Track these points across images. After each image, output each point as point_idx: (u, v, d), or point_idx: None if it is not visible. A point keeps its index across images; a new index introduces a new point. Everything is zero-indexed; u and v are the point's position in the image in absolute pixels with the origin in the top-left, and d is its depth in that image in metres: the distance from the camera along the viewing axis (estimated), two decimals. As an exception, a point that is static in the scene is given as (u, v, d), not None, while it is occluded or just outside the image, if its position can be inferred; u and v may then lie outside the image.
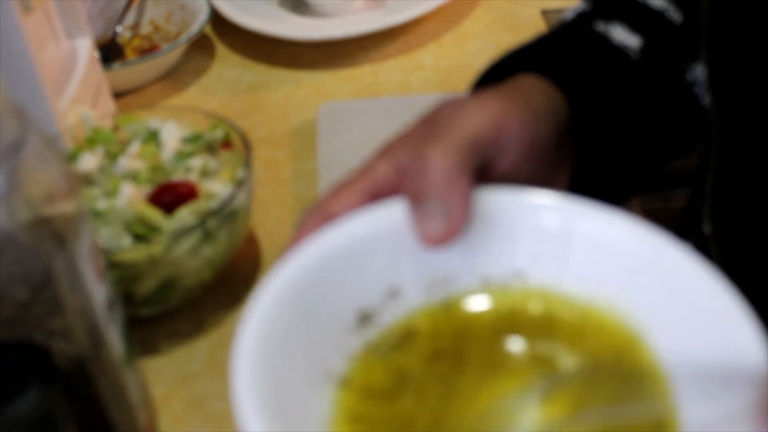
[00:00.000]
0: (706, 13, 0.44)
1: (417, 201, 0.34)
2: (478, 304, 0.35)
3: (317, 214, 0.36)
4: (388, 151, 0.37)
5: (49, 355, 0.37)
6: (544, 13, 0.86)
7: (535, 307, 0.35)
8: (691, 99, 0.48)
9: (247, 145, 0.56)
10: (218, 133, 0.58)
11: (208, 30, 0.87)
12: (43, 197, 0.34)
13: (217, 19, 0.86)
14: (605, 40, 0.47)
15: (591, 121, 0.43)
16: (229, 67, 0.82)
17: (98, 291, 0.38)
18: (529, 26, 0.84)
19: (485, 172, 0.37)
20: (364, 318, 0.35)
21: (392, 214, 0.35)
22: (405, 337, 0.34)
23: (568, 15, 0.50)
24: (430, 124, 0.37)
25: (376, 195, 0.36)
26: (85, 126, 0.59)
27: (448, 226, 0.34)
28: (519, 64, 0.45)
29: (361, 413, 0.32)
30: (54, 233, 0.35)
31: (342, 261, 0.34)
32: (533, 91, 0.41)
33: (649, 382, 0.32)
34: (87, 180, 0.55)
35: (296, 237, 0.35)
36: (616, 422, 0.31)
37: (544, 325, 0.34)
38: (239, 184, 0.53)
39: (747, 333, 0.30)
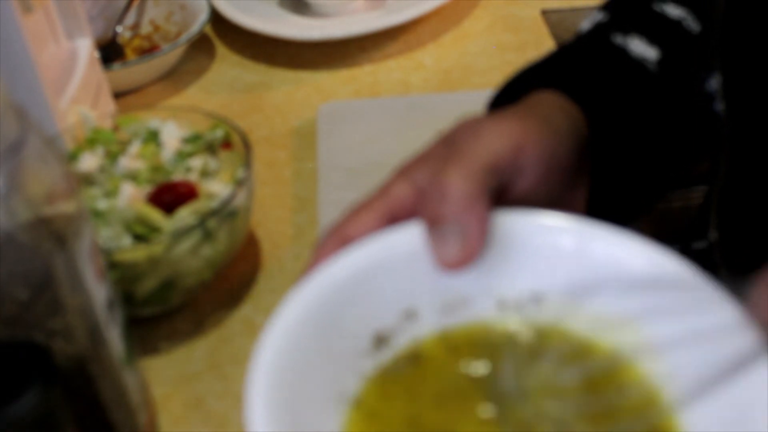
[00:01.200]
0: (720, 22, 0.44)
1: (434, 225, 0.34)
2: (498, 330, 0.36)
3: (335, 237, 0.36)
4: (406, 171, 0.37)
5: (49, 355, 0.37)
6: (544, 13, 0.86)
7: (534, 336, 0.35)
8: (710, 110, 0.47)
9: (247, 145, 0.56)
10: (218, 133, 0.58)
11: (208, 30, 0.87)
12: (43, 197, 0.34)
13: (217, 19, 0.86)
14: (623, 54, 0.46)
15: (610, 138, 0.43)
16: (229, 67, 0.82)
17: (98, 291, 0.38)
18: (529, 26, 0.84)
19: (503, 193, 0.37)
20: (380, 340, 0.35)
21: (409, 236, 0.35)
22: (415, 362, 0.35)
23: (585, 26, 0.49)
24: (449, 145, 0.37)
25: (395, 216, 0.36)
26: (85, 126, 0.59)
27: (464, 251, 0.34)
28: (536, 80, 0.44)
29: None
30: (54, 233, 0.35)
31: (359, 284, 0.35)
32: (552, 109, 0.40)
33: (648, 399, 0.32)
34: (87, 180, 0.55)
35: (314, 260, 0.35)
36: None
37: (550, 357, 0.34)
38: (239, 184, 0.53)
39: (759, 361, 0.29)
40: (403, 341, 0.35)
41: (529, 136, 0.37)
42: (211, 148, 0.58)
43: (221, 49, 0.85)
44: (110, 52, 0.82)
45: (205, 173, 0.56)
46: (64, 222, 0.36)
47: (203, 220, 0.51)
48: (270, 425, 0.29)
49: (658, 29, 0.47)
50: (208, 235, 0.52)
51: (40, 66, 0.56)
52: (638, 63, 0.46)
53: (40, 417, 0.35)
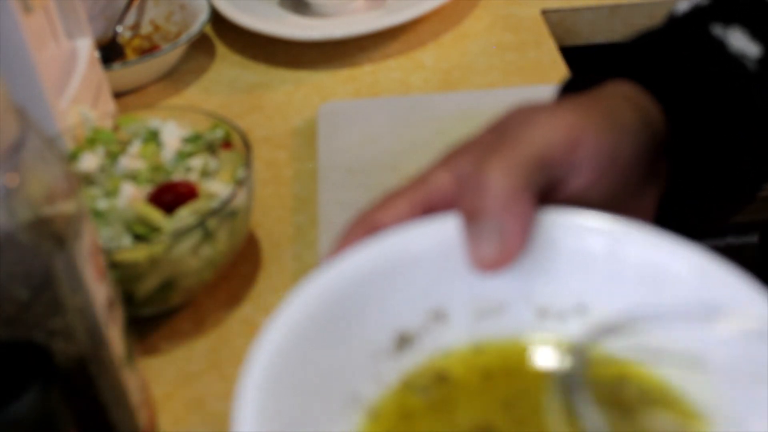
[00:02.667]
0: None
1: (472, 219, 0.31)
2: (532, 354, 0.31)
3: (364, 223, 0.33)
4: (449, 159, 0.34)
5: (49, 355, 0.37)
6: (544, 13, 0.86)
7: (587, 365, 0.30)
8: None
9: (247, 145, 0.56)
10: (218, 133, 0.58)
11: (208, 30, 0.87)
12: (43, 197, 0.34)
13: (217, 19, 0.86)
14: (721, 47, 0.41)
15: (690, 140, 0.39)
16: (229, 66, 0.82)
17: (98, 291, 0.38)
18: (529, 26, 0.84)
19: (555, 191, 0.34)
20: (403, 341, 0.32)
21: (444, 230, 0.32)
22: (443, 383, 0.31)
23: (682, 6, 0.44)
24: (498, 133, 0.34)
25: (432, 207, 0.33)
26: (85, 126, 0.59)
27: (503, 251, 0.30)
28: (616, 67, 0.40)
29: None
30: (54, 233, 0.35)
31: (384, 276, 0.31)
32: (621, 103, 0.37)
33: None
34: (87, 180, 0.55)
35: (339, 246, 0.32)
36: None
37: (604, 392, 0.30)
38: (239, 184, 0.53)
39: None
40: (429, 346, 0.32)
41: (588, 131, 0.33)
42: (211, 148, 0.58)
43: (221, 49, 0.85)
44: (110, 52, 0.82)
45: (205, 173, 0.56)
46: (64, 222, 0.36)
47: (203, 220, 0.51)
48: (258, 425, 0.26)
49: (765, 23, 0.42)
50: (208, 235, 0.52)
51: (40, 66, 0.56)
52: (736, 60, 0.41)
53: (40, 417, 0.35)
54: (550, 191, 0.33)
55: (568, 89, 0.41)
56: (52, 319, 0.36)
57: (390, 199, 0.33)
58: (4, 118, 0.33)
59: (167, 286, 0.52)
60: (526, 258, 0.31)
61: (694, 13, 0.43)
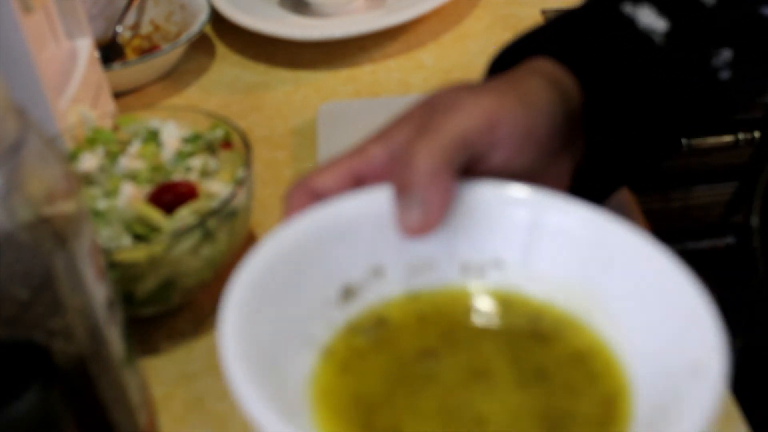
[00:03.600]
0: None
1: (401, 192, 0.36)
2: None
3: (302, 188, 0.38)
4: (384, 134, 0.40)
5: (49, 355, 0.37)
6: (544, 13, 0.86)
7: (491, 304, 0.38)
8: (714, 85, 0.47)
9: (247, 145, 0.56)
10: (218, 133, 0.58)
11: (208, 30, 0.87)
12: (43, 197, 0.34)
13: (217, 19, 0.86)
14: (631, 24, 0.46)
15: (604, 110, 0.44)
16: (229, 67, 0.82)
17: (98, 291, 0.38)
18: (529, 26, 0.84)
19: (477, 164, 0.39)
20: (348, 293, 0.37)
21: (380, 198, 0.37)
22: (382, 326, 0.37)
23: None
24: (427, 112, 0.39)
25: (365, 176, 0.38)
26: (85, 126, 0.59)
27: (426, 219, 0.36)
28: (535, 46, 0.45)
29: (337, 384, 0.34)
30: (54, 233, 0.35)
31: (329, 237, 0.36)
32: (538, 82, 0.41)
33: (602, 364, 0.34)
34: (87, 180, 0.55)
35: (284, 212, 0.37)
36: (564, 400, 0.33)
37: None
38: (239, 184, 0.53)
39: (707, 325, 0.31)
40: (371, 297, 0.37)
41: (503, 113, 0.38)
42: (211, 148, 0.58)
43: (221, 49, 0.85)
44: (110, 52, 0.82)
45: (205, 173, 0.56)
46: (64, 222, 0.36)
47: (203, 220, 0.51)
48: (240, 360, 0.31)
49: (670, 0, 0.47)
50: (208, 235, 0.52)
51: (40, 66, 0.56)
52: (644, 35, 0.46)
53: (40, 417, 0.35)
54: (473, 166, 0.38)
55: (496, 66, 0.47)
56: (52, 319, 0.36)
57: (328, 166, 0.38)
58: (4, 118, 0.33)
59: (167, 286, 0.52)
60: (450, 223, 0.37)
61: None
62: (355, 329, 0.36)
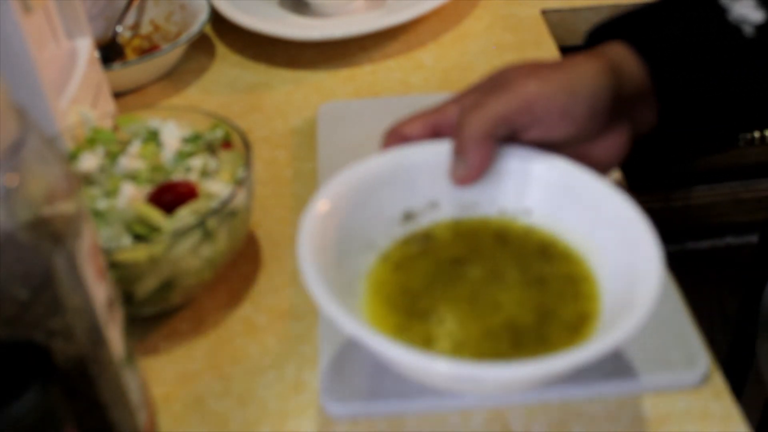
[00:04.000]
0: None
1: (454, 151, 0.48)
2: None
3: (393, 132, 0.50)
4: (459, 98, 0.51)
5: (49, 355, 0.37)
6: (544, 13, 0.86)
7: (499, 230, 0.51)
8: None
9: (247, 145, 0.56)
10: (218, 133, 0.58)
11: (208, 30, 0.87)
12: (43, 197, 0.34)
13: (217, 19, 0.86)
14: (722, 14, 0.50)
15: (678, 96, 0.50)
16: (229, 67, 0.82)
17: (98, 291, 0.38)
18: (529, 26, 0.84)
19: (519, 135, 0.48)
20: (408, 216, 0.50)
21: (444, 150, 0.49)
22: (428, 239, 0.50)
23: None
24: (489, 86, 0.49)
25: (442, 129, 0.50)
26: (85, 126, 0.59)
27: (468, 174, 0.48)
28: (619, 28, 0.52)
29: (389, 279, 0.47)
30: (54, 233, 0.35)
31: (402, 172, 0.49)
32: (592, 67, 0.48)
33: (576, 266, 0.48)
34: (87, 180, 0.55)
35: (382, 146, 0.50)
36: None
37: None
38: (239, 184, 0.53)
39: (646, 237, 0.44)
40: (425, 221, 0.50)
41: (543, 97, 0.47)
42: (211, 148, 0.58)
43: (221, 49, 0.85)
44: (110, 52, 0.82)
45: (205, 173, 0.56)
46: (64, 222, 0.36)
47: (203, 220, 0.51)
48: (312, 257, 0.42)
49: None
50: (208, 235, 0.52)
51: (40, 66, 0.56)
52: (733, 26, 0.50)
53: (40, 417, 0.35)
54: (515, 135, 0.49)
55: (590, 39, 0.54)
56: (52, 319, 0.36)
57: (415, 118, 0.50)
58: (4, 118, 0.33)
59: (167, 286, 0.52)
60: (493, 178, 0.50)
61: None
62: (409, 241, 0.49)
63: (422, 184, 0.49)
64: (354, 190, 0.47)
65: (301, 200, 0.64)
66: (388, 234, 0.48)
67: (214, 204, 0.53)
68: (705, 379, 0.48)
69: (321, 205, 0.45)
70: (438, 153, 0.49)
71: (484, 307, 0.45)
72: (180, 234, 0.50)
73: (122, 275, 0.50)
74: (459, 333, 0.44)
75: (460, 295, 0.46)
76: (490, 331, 0.44)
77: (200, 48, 0.84)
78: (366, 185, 0.48)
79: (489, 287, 0.46)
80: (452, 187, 0.49)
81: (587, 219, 0.48)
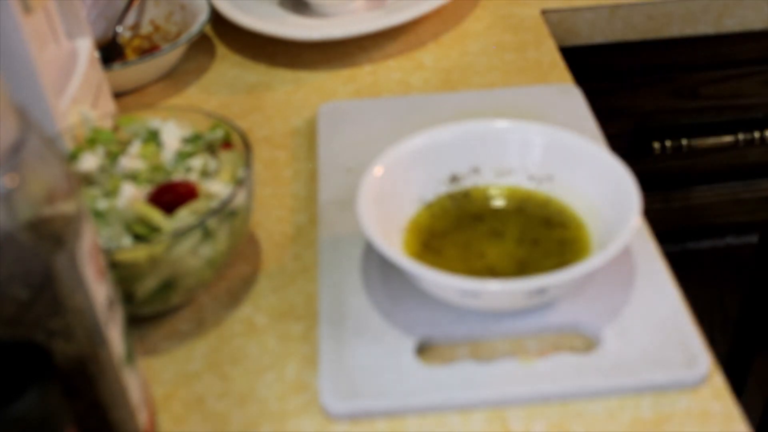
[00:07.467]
0: None
1: None
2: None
3: None
4: None
5: (49, 355, 0.37)
6: (544, 13, 0.86)
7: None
8: None
9: (247, 145, 0.56)
10: (218, 133, 0.58)
11: (208, 30, 0.87)
12: (43, 197, 0.34)
13: (217, 19, 0.86)
14: None
15: None
16: (229, 67, 0.82)
17: (98, 291, 0.38)
18: (529, 26, 0.84)
19: None
20: (453, 178, 0.60)
21: (486, 125, 0.60)
22: (466, 197, 0.60)
23: None
24: None
25: None
26: (85, 126, 0.59)
27: None
28: None
29: (423, 222, 0.58)
30: (54, 233, 0.35)
31: (452, 143, 0.60)
32: None
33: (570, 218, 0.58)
34: (87, 180, 0.55)
35: None
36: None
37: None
38: (239, 184, 0.53)
39: (629, 186, 0.53)
40: (467, 184, 0.60)
41: None
42: (211, 148, 0.58)
43: (221, 49, 0.85)
44: (110, 52, 0.82)
45: (205, 173, 0.56)
46: (64, 222, 0.36)
47: (203, 220, 0.51)
48: (367, 204, 0.53)
49: None
50: (208, 235, 0.52)
51: (40, 66, 0.56)
52: None
53: (40, 417, 0.35)
54: None
55: None
56: (52, 319, 0.36)
57: None
58: (4, 118, 0.33)
59: (167, 286, 0.52)
60: (524, 151, 0.60)
61: None
62: (450, 197, 0.59)
63: (466, 152, 0.60)
64: (411, 153, 0.58)
65: (301, 200, 0.64)
66: (436, 191, 0.59)
67: (214, 204, 0.53)
68: (705, 379, 0.48)
69: (376, 170, 0.56)
70: (483, 128, 0.60)
71: (471, 253, 0.56)
72: (180, 234, 0.50)
73: (122, 275, 0.50)
74: (450, 268, 0.54)
75: (460, 241, 0.56)
76: (472, 271, 0.54)
77: (200, 48, 0.84)
78: (422, 151, 0.59)
79: (484, 241, 0.56)
80: (491, 156, 0.60)
81: (591, 183, 0.56)
